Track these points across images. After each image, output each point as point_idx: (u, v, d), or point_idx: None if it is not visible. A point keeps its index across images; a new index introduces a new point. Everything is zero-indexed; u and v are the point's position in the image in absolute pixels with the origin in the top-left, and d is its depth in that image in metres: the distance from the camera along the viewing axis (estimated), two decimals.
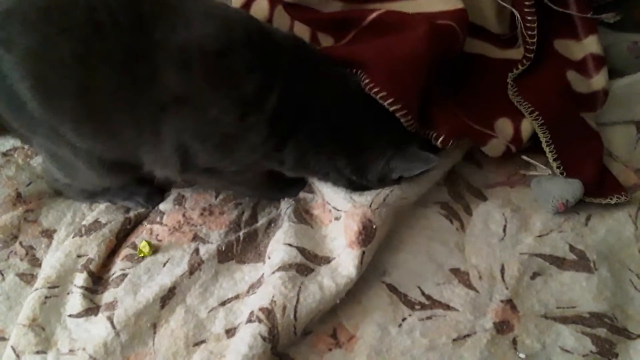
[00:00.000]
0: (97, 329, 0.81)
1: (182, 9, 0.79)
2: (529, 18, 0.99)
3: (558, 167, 0.94)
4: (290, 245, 0.86)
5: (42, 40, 0.74)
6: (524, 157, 0.96)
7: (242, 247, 0.91)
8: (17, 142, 1.08)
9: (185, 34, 0.76)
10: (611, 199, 0.91)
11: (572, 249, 0.87)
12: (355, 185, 0.89)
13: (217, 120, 0.79)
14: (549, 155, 0.95)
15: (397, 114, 0.84)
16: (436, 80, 0.95)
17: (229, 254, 0.89)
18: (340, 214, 0.88)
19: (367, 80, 0.86)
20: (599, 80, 1.04)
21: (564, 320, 0.80)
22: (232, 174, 0.89)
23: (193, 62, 0.76)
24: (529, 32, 1.00)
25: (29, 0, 0.75)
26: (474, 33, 1.07)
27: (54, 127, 0.80)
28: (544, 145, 0.95)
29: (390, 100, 0.84)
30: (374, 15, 1.00)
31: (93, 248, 0.91)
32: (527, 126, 0.96)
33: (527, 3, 0.98)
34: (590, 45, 1.05)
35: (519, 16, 1.00)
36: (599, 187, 0.93)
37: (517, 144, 0.96)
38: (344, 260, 0.83)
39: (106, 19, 0.74)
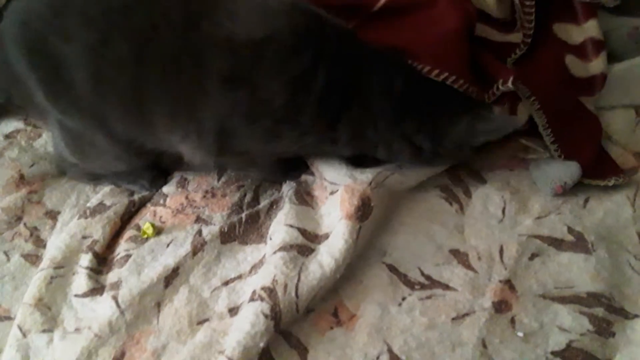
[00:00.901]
0: (103, 308, 0.82)
1: (227, 4, 0.82)
2: (527, 3, 0.99)
3: (556, 150, 0.95)
4: (291, 226, 0.87)
5: (102, 39, 0.79)
6: (522, 141, 0.97)
7: (245, 229, 0.92)
8: (19, 124, 1.10)
9: (231, 25, 0.79)
10: (609, 180, 0.92)
11: (570, 230, 0.88)
12: (424, 156, 0.88)
13: (266, 104, 0.81)
14: (546, 138, 0.96)
15: (454, 85, 0.87)
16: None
17: (231, 235, 0.90)
18: (336, 188, 0.90)
19: (414, 61, 0.88)
20: (597, 64, 1.04)
21: (562, 300, 0.81)
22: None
23: (240, 48, 0.79)
24: (527, 17, 1.00)
25: None
26: (477, 16, 1.08)
27: (95, 112, 0.83)
28: (540, 129, 0.96)
29: (444, 75, 0.87)
30: (382, 1, 1.01)
31: (98, 230, 0.92)
32: (523, 109, 0.97)
33: None
34: (590, 29, 1.06)
35: (517, 0, 1.01)
36: (597, 169, 0.94)
37: None
38: (340, 231, 0.84)
39: (161, 19, 0.79)
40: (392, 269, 0.85)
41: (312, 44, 0.81)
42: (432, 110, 0.86)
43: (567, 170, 0.90)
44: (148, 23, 0.79)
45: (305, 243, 0.85)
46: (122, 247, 0.91)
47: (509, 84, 0.89)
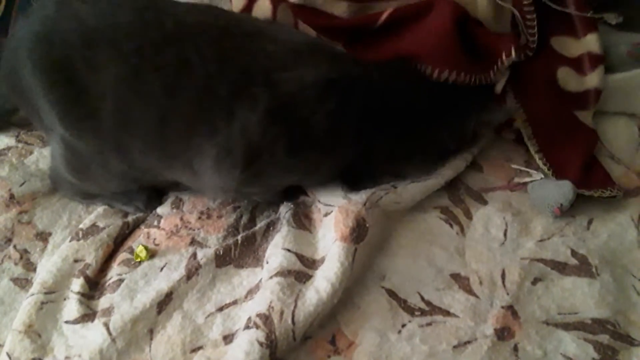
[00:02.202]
0: (93, 335, 0.80)
1: (259, 41, 0.85)
2: (529, 17, 0.99)
3: (540, 159, 0.95)
4: (288, 250, 0.85)
5: (133, 73, 0.79)
6: (514, 166, 0.97)
7: (240, 251, 0.90)
8: (11, 141, 1.08)
9: (267, 62, 0.83)
10: (603, 191, 0.91)
11: (573, 253, 0.86)
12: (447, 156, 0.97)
13: (308, 136, 0.85)
14: (531, 148, 0.97)
15: (458, 79, 0.92)
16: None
17: (226, 258, 0.88)
18: (330, 209, 0.88)
19: (416, 64, 0.94)
20: (592, 79, 1.03)
21: (566, 326, 0.79)
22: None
23: (280, 83, 0.82)
24: (530, 31, 1.00)
25: (117, 27, 0.81)
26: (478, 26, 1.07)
27: (117, 142, 0.84)
28: (526, 139, 0.98)
29: (445, 73, 0.92)
30: (384, 16, 1.01)
31: (90, 253, 0.90)
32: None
33: (525, 2, 0.98)
34: (589, 43, 1.05)
35: (518, 15, 1.00)
36: (588, 180, 0.93)
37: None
38: (335, 253, 0.82)
39: (193, 54, 0.80)
40: (392, 294, 0.83)
41: (340, 77, 0.85)
42: (449, 112, 0.94)
43: (560, 192, 0.89)
44: (181, 58, 0.80)
45: (303, 269, 0.83)
46: (115, 271, 0.88)
47: (512, 54, 0.92)
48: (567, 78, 1.05)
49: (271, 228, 0.93)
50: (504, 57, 0.93)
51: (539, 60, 1.04)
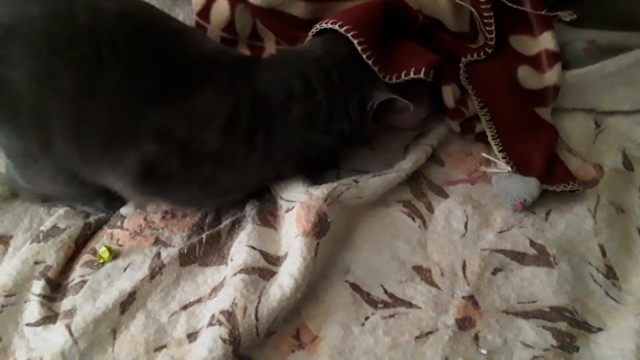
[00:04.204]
0: (55, 337, 0.79)
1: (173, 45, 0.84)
2: (486, 14, 1.01)
3: (504, 158, 0.97)
4: (253, 247, 0.86)
5: (46, 69, 0.75)
6: (484, 155, 0.98)
7: (205, 250, 0.89)
8: None
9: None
10: (565, 186, 0.93)
11: (532, 244, 0.88)
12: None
13: (201, 151, 0.83)
14: (494, 148, 0.98)
15: (359, 47, 0.90)
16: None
17: (191, 257, 0.88)
18: (292, 205, 0.89)
19: (328, 20, 0.93)
20: (551, 76, 1.06)
21: (525, 315, 0.81)
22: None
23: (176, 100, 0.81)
24: (487, 28, 1.02)
25: (29, 21, 0.76)
26: (438, 27, 1.09)
27: (41, 141, 0.80)
28: (489, 138, 0.99)
29: (346, 28, 0.90)
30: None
31: (51, 254, 0.89)
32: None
33: (482, 0, 1.00)
34: (545, 41, 1.08)
35: (476, 14, 1.02)
36: (549, 175, 0.95)
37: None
38: (297, 248, 0.82)
39: (107, 52, 0.76)
40: (355, 287, 0.84)
41: (231, 89, 0.85)
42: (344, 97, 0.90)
43: (526, 188, 0.90)
44: (94, 54, 0.76)
45: (267, 266, 0.83)
46: (77, 272, 0.87)
47: (422, 73, 0.91)
48: (527, 76, 1.07)
49: (236, 226, 0.93)
50: (411, 71, 0.92)
51: (500, 59, 1.07)
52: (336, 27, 0.92)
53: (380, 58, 0.92)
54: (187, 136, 0.82)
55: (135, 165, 0.81)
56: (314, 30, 0.97)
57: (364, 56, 0.90)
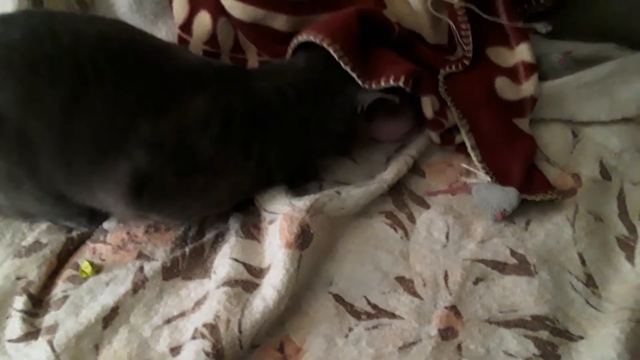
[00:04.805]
0: (37, 353, 0.78)
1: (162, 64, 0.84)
2: (463, 27, 1.03)
3: (484, 168, 0.98)
4: (236, 260, 0.86)
5: (28, 91, 0.75)
6: (464, 166, 0.99)
7: (188, 263, 0.89)
8: None
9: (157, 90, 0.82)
10: (544, 196, 0.94)
11: (513, 253, 0.89)
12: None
13: (196, 160, 0.84)
14: (474, 158, 0.99)
15: (335, 55, 0.92)
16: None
17: (174, 271, 0.88)
18: (275, 217, 0.89)
19: (303, 33, 0.96)
20: (528, 87, 1.08)
21: (507, 324, 0.82)
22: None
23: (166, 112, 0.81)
24: (465, 41, 1.04)
25: (11, 45, 0.76)
26: (416, 40, 1.11)
27: (28, 165, 0.80)
28: (469, 149, 1.00)
29: (321, 38, 0.93)
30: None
31: (33, 270, 0.88)
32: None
33: (459, 13, 1.02)
34: (522, 53, 1.10)
35: (454, 26, 1.04)
36: (530, 185, 0.97)
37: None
38: (280, 260, 0.83)
39: (91, 73, 0.76)
40: (339, 299, 0.84)
41: (222, 98, 0.86)
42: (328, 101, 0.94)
43: (505, 198, 0.91)
44: (78, 75, 0.76)
45: (250, 279, 0.84)
46: (60, 287, 0.87)
47: (401, 82, 0.92)
48: (505, 87, 1.09)
49: (220, 239, 0.93)
50: (391, 79, 0.93)
51: (477, 71, 1.09)
52: (311, 38, 0.94)
53: (359, 64, 0.94)
54: (179, 146, 0.82)
55: (126, 177, 0.81)
56: (292, 45, 0.99)
57: (342, 63, 0.92)
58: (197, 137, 0.83)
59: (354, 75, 0.93)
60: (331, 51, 0.92)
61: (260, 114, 0.88)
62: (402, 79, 0.92)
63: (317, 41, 0.93)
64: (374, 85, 0.94)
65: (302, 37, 0.96)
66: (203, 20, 1.09)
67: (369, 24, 1.01)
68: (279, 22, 1.09)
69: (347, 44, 0.94)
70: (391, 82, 0.93)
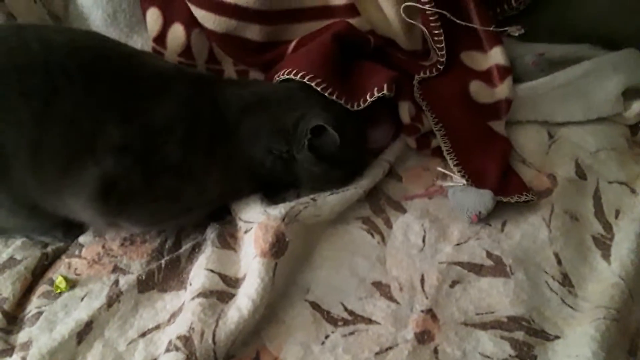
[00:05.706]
0: None
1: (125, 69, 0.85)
2: (436, 32, 1.04)
3: (459, 172, 0.98)
4: (212, 271, 0.85)
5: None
6: (440, 169, 0.99)
7: (164, 275, 0.89)
8: None
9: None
10: (520, 197, 0.95)
11: (489, 255, 0.89)
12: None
13: (163, 165, 0.85)
14: (450, 162, 1.00)
15: (319, 88, 0.95)
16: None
17: (149, 283, 0.87)
18: (250, 226, 0.89)
19: (283, 69, 0.98)
20: (502, 90, 1.08)
21: (483, 326, 0.82)
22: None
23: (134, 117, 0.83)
24: (438, 46, 1.04)
25: None
26: (391, 46, 1.11)
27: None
28: (445, 153, 1.00)
29: (302, 74, 0.95)
30: (292, 45, 1.09)
31: (7, 287, 0.87)
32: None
33: (432, 18, 1.03)
34: (495, 56, 1.10)
35: (427, 32, 1.04)
36: (505, 187, 0.97)
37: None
38: (255, 269, 0.82)
39: (62, 81, 0.77)
40: (315, 306, 0.84)
41: (190, 103, 0.88)
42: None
43: (480, 200, 0.92)
44: (49, 84, 0.77)
45: (226, 289, 0.83)
46: (34, 304, 0.86)
47: (385, 90, 0.94)
48: (479, 91, 1.09)
49: (196, 250, 0.93)
50: (375, 91, 0.95)
51: (452, 75, 1.09)
52: (292, 76, 0.96)
53: (343, 90, 0.96)
54: (146, 149, 0.83)
55: (94, 181, 0.81)
56: (275, 81, 1.01)
57: (326, 94, 0.94)
58: (163, 141, 0.84)
59: (340, 101, 0.95)
60: (314, 85, 0.95)
61: (223, 121, 0.89)
62: (385, 87, 0.94)
63: (298, 78, 0.96)
64: (362, 104, 0.96)
65: (283, 75, 0.98)
66: (177, 32, 1.09)
67: (345, 43, 1.03)
68: (252, 32, 1.09)
69: (327, 75, 0.96)
70: (376, 94, 0.94)
